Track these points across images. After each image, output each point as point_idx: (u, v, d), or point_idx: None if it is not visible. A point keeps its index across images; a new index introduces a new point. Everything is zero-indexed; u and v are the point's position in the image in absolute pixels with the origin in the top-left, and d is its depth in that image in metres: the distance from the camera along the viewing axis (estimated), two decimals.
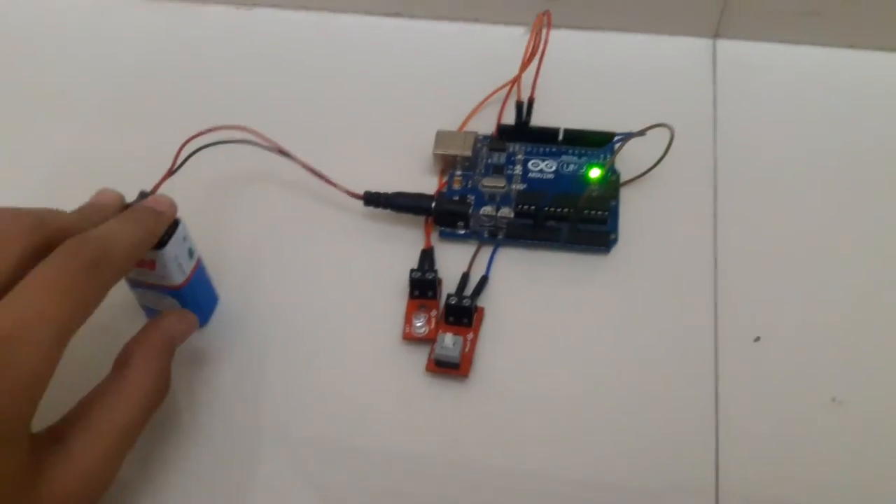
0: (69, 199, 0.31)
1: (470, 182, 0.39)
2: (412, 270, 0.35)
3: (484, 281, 0.36)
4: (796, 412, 0.33)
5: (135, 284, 0.34)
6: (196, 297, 0.34)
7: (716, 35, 0.44)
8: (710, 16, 0.43)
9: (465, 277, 0.36)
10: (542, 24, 0.37)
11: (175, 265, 0.32)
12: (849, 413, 0.32)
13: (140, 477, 0.32)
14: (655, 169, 0.38)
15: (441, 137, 0.39)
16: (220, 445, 0.33)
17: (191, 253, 0.33)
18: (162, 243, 0.31)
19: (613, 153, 0.38)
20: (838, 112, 0.41)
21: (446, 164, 0.39)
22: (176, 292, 0.33)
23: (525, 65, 0.38)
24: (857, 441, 0.32)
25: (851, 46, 0.43)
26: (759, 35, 0.43)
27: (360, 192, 0.37)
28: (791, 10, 0.42)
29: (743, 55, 0.43)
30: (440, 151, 0.38)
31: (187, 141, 0.34)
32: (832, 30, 0.42)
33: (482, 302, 0.36)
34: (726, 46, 0.44)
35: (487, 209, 0.37)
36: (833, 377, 0.33)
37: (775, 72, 0.43)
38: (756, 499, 0.31)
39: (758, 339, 0.34)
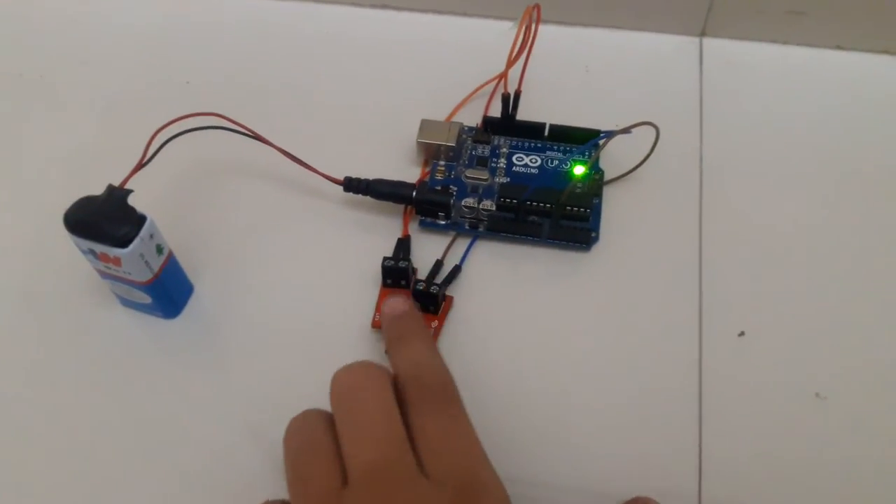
0: (49, 194, 0.30)
1: (453, 173, 0.38)
2: (385, 258, 0.35)
3: (456, 270, 0.36)
4: (780, 407, 0.32)
5: (105, 276, 0.33)
6: (167, 289, 0.34)
7: (702, 33, 0.44)
8: (696, 14, 0.43)
9: (437, 265, 0.36)
10: (530, 18, 0.36)
11: (141, 263, 0.31)
12: (832, 408, 0.32)
13: (111, 472, 0.32)
14: (641, 167, 0.38)
15: (425, 126, 0.38)
16: (195, 433, 0.33)
17: (159, 249, 0.32)
18: (125, 243, 0.30)
19: (598, 149, 0.38)
20: (823, 111, 0.41)
21: (429, 154, 0.39)
22: (145, 286, 0.32)
23: (514, 59, 0.37)
24: (840, 436, 0.32)
25: (837, 47, 0.43)
26: (746, 34, 0.44)
27: (341, 178, 0.37)
28: (777, 10, 0.42)
29: (729, 54, 0.43)
30: (424, 140, 0.38)
31: (158, 131, 0.33)
32: (818, 30, 0.42)
33: (454, 292, 0.35)
34: (713, 45, 0.44)
35: (469, 200, 0.36)
36: (816, 372, 0.33)
37: (761, 71, 0.43)
38: (739, 491, 0.31)
39: (742, 333, 0.34)
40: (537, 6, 0.36)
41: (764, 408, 0.32)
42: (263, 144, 0.36)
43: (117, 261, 0.31)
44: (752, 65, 0.43)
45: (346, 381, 0.28)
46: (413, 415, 0.27)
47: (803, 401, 0.32)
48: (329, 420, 0.27)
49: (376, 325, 0.34)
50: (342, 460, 0.26)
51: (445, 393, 0.28)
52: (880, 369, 0.33)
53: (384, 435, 0.26)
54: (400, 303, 0.32)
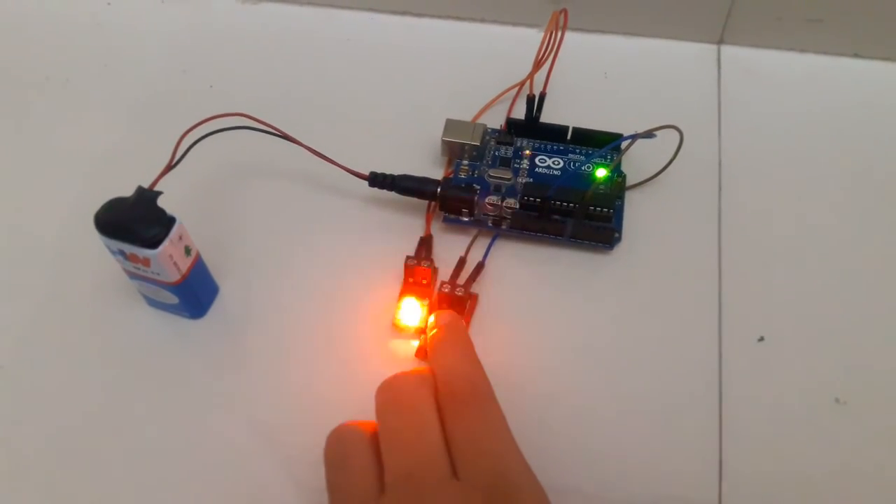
0: (79, 197, 0.30)
1: (476, 172, 0.38)
2: (408, 258, 0.35)
3: (480, 267, 0.36)
4: (799, 412, 0.32)
5: (133, 276, 0.33)
6: (194, 290, 0.34)
7: (720, 41, 0.44)
8: (715, 22, 0.43)
9: (461, 262, 0.36)
10: (557, 23, 0.37)
11: (170, 264, 0.31)
12: (851, 413, 0.32)
13: (133, 468, 0.32)
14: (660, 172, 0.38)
15: (450, 125, 0.38)
16: (219, 432, 0.33)
17: (187, 250, 0.32)
18: (155, 244, 0.30)
19: (620, 152, 0.38)
20: (841, 119, 0.41)
21: (453, 153, 0.39)
22: (173, 287, 0.33)
23: (539, 62, 0.38)
24: (860, 441, 0.32)
25: (855, 55, 0.43)
26: (764, 42, 0.44)
27: (366, 173, 0.37)
28: (795, 18, 0.42)
29: (747, 61, 0.44)
30: (449, 138, 0.38)
31: (186, 133, 0.33)
32: (836, 38, 0.43)
33: (478, 289, 0.36)
34: (731, 52, 0.44)
35: (493, 198, 0.37)
36: (836, 378, 0.33)
37: (779, 78, 0.43)
38: (758, 497, 0.31)
39: (762, 339, 0.34)
40: (564, 10, 0.37)
41: (784, 413, 0.32)
42: (288, 146, 0.36)
43: (146, 261, 0.31)
44: (770, 72, 0.43)
45: (387, 392, 0.28)
46: (446, 420, 0.27)
47: (823, 406, 0.33)
48: (364, 432, 0.28)
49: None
50: (381, 471, 0.26)
51: (474, 396, 0.28)
52: None
53: (418, 443, 0.26)
54: (443, 316, 0.32)
